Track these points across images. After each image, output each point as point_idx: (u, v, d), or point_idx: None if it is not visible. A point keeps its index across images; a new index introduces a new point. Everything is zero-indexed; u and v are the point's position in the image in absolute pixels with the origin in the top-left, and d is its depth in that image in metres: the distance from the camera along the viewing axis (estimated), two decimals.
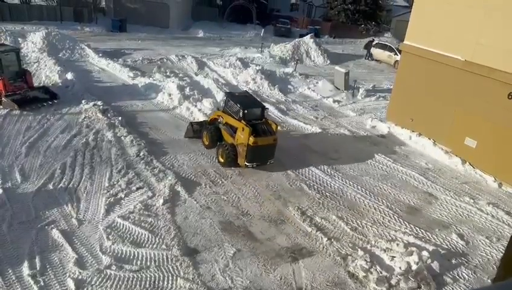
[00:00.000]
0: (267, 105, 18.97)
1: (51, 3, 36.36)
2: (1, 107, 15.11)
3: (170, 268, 8.58)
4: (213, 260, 8.98)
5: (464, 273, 9.40)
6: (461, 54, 14.69)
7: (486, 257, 10.10)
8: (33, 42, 23.84)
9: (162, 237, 9.47)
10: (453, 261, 9.77)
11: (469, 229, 11.16)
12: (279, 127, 13.63)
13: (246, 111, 12.80)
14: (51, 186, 10.88)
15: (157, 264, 8.66)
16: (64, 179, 11.26)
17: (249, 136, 12.40)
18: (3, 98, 15.15)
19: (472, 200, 12.56)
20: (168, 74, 21.71)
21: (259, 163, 12.90)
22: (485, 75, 13.94)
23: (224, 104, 14.37)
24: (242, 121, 12.76)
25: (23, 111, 14.97)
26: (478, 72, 14.15)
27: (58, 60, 21.70)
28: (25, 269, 8.07)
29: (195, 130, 14.61)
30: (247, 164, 12.71)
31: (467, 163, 14.74)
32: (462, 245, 10.44)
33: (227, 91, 16.40)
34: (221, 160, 13.17)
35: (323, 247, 9.79)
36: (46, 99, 16.04)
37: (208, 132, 14.05)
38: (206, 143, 14.14)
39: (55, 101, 16.07)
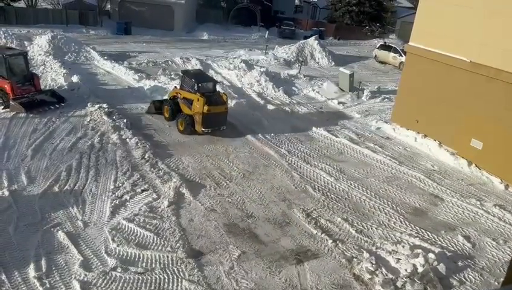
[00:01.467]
0: (271, 107, 19.02)
1: (57, 7, 36.60)
2: (8, 110, 15.22)
3: (175, 270, 8.59)
4: (218, 262, 8.98)
5: (470, 276, 9.33)
6: (467, 55, 14.62)
7: (493, 259, 10.02)
8: (39, 45, 24.03)
9: (167, 239, 9.48)
10: (460, 263, 9.70)
11: (475, 231, 11.08)
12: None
13: (200, 84, 15.03)
14: (56, 189, 10.93)
15: (162, 266, 8.67)
16: (69, 181, 11.31)
17: (204, 105, 14.53)
18: (10, 102, 15.20)
19: (478, 202, 12.47)
20: (173, 76, 21.76)
21: (213, 128, 15.07)
22: (491, 76, 13.86)
23: (181, 81, 16.27)
24: (197, 93, 14.88)
25: (29, 114, 15.05)
26: (484, 73, 14.07)
27: (63, 62, 21.86)
28: (31, 271, 8.11)
29: (157, 107, 16.68)
30: (203, 129, 14.90)
31: (473, 164, 14.64)
32: (469, 247, 10.36)
33: (183, 69, 17.83)
34: (181, 128, 15.34)
35: (329, 249, 9.76)
36: (54, 103, 16.02)
37: (167, 106, 16.16)
38: (167, 116, 16.23)
39: (62, 105, 16.11)
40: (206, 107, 14.51)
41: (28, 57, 17.50)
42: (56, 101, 16.19)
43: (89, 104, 16.49)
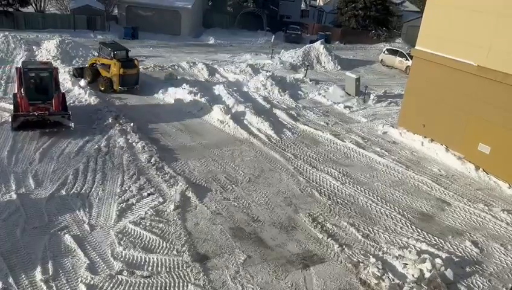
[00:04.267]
0: (277, 111, 19.06)
1: (65, 12, 37.00)
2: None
3: (181, 274, 8.59)
4: (224, 266, 8.97)
5: (478, 282, 9.23)
6: (474, 59, 14.55)
7: (501, 265, 9.91)
8: (47, 50, 24.28)
9: (173, 242, 9.49)
10: (467, 269, 9.61)
11: (483, 236, 10.98)
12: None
13: (116, 52, 19.00)
14: (63, 192, 10.99)
15: (168, 270, 8.67)
16: (76, 185, 11.37)
17: (120, 68, 18.60)
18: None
19: (486, 207, 12.36)
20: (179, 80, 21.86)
21: (128, 87, 19.13)
22: (498, 80, 13.77)
23: (99, 50, 20.16)
24: (114, 59, 18.80)
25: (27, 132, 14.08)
26: (491, 77, 13.99)
27: (71, 67, 22.01)
28: (38, 274, 8.14)
29: (78, 73, 20.27)
30: (120, 88, 18.89)
31: (481, 169, 14.53)
32: (476, 253, 10.27)
33: (101, 41, 21.59)
34: (102, 88, 19.13)
35: (335, 254, 9.72)
36: (63, 126, 14.53)
37: (89, 72, 19.88)
38: (88, 79, 19.76)
39: (70, 128, 14.40)
40: (121, 70, 18.64)
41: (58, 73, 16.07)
42: (69, 125, 14.46)
43: (95, 109, 16.61)
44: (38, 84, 14.56)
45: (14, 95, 15.31)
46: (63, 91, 17.27)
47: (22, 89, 14.36)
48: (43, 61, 18.09)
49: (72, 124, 14.40)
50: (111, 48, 19.20)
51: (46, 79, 14.68)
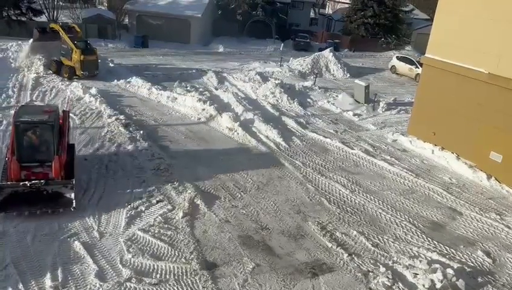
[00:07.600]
0: (285, 119, 19.05)
1: (77, 21, 37.55)
2: None
3: (189, 282, 8.57)
4: (232, 274, 8.93)
5: None
6: (484, 66, 14.43)
7: None
8: None
9: (181, 250, 9.49)
10: (479, 279, 9.45)
11: (495, 246, 10.80)
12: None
13: (76, 42, 21.79)
14: None
15: (176, 277, 8.65)
16: (86, 192, 11.44)
17: (80, 55, 21.39)
18: None
19: (498, 217, 12.18)
20: (188, 88, 22.01)
21: (89, 72, 21.93)
22: (510, 88, 13.63)
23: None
24: (75, 47, 21.53)
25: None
26: (502, 85, 13.86)
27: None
28: (47, 281, 8.18)
29: (39, 31, 23.09)
30: (82, 72, 21.62)
31: (493, 178, 14.34)
32: (489, 263, 10.10)
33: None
34: (65, 76, 21.56)
35: (344, 263, 9.62)
36: (61, 203, 10.42)
37: (54, 64, 22.17)
38: (53, 70, 22.16)
39: (71, 209, 10.35)
40: (82, 56, 21.40)
41: (66, 127, 12.15)
42: (71, 199, 10.48)
43: (105, 116, 16.78)
44: (34, 141, 10.79)
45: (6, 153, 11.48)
46: (72, 141, 13.26)
47: (14, 149, 10.59)
48: (46, 108, 12.07)
49: (74, 200, 10.38)
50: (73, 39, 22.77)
51: (45, 134, 10.76)
